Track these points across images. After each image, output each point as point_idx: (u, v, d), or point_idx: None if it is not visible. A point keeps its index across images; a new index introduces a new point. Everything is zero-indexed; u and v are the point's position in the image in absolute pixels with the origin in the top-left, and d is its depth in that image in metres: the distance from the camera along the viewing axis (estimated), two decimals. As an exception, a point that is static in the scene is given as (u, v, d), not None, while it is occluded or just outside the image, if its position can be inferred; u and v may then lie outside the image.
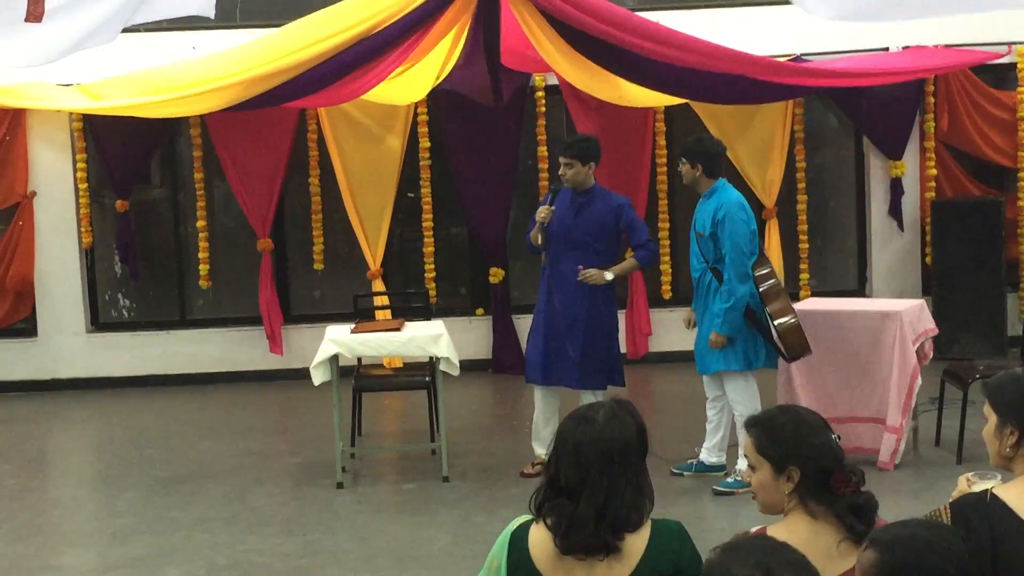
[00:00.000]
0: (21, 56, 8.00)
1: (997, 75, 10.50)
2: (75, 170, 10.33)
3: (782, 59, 9.85)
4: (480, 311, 10.59)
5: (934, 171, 10.37)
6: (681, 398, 9.12)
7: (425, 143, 10.32)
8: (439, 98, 10.02)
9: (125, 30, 8.60)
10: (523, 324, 8.85)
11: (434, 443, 7.67)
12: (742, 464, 6.77)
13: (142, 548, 6.30)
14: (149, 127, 9.92)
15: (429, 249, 10.46)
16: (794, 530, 3.02)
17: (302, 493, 7.20)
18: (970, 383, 6.99)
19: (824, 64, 9.80)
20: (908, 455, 7.24)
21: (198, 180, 10.39)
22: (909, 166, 10.42)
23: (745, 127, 10.20)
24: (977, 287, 9.87)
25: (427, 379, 7.67)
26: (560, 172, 7.21)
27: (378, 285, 10.31)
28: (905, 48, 10.15)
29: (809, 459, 3.01)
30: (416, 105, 10.18)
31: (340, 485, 7.20)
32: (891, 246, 10.57)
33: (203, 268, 10.44)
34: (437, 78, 9.50)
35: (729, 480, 6.84)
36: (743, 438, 6.63)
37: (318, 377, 7.13)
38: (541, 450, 7.25)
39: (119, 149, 10.24)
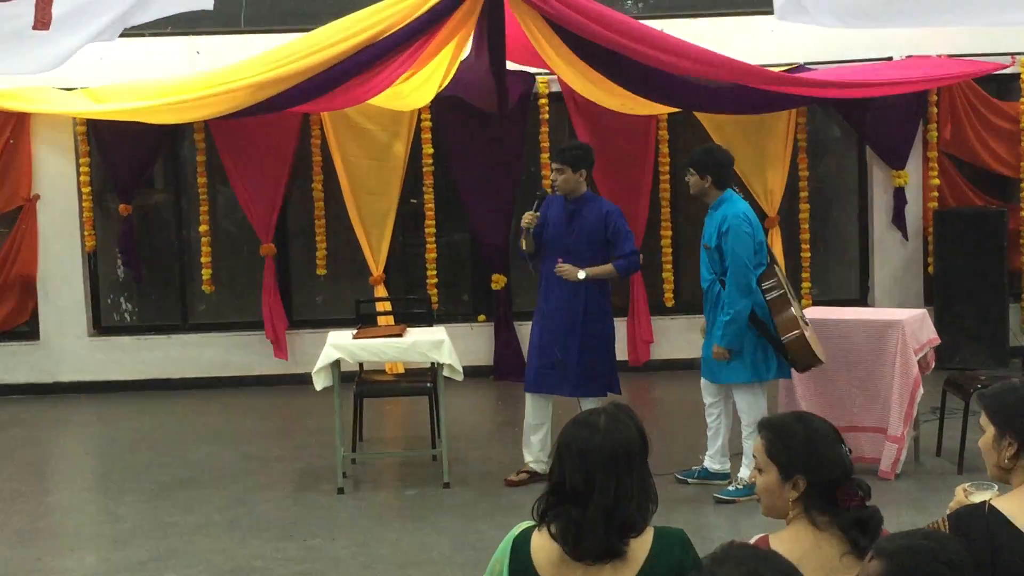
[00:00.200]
0: (30, 63, 8.05)
1: (1000, 85, 10.51)
2: (78, 173, 10.34)
3: (785, 68, 9.88)
4: (482, 317, 10.59)
5: (937, 181, 10.37)
6: (683, 406, 9.11)
7: (428, 149, 10.33)
8: (443, 104, 10.03)
9: (131, 33, 8.64)
10: (525, 331, 8.85)
11: (435, 449, 7.67)
12: (744, 473, 6.77)
13: (143, 552, 6.30)
14: (153, 131, 9.94)
15: (431, 255, 10.46)
16: (796, 539, 3.02)
17: (303, 498, 7.20)
18: (972, 393, 6.98)
19: (827, 74, 9.83)
20: (909, 465, 7.24)
21: (201, 184, 10.40)
22: (912, 176, 10.42)
23: (748, 136, 10.21)
24: (979, 297, 9.86)
25: (429, 385, 7.68)
26: (551, 178, 7.20)
27: (380, 291, 10.32)
28: (908, 58, 10.17)
29: (818, 470, 3.00)
30: (420, 111, 10.19)
31: (341, 490, 7.20)
32: (893, 256, 10.57)
33: (206, 273, 10.44)
34: (440, 85, 9.51)
35: (730, 488, 6.83)
36: (748, 448, 6.67)
37: (320, 382, 7.13)
38: (529, 458, 7.25)
39: (122, 153, 10.25)
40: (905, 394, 6.98)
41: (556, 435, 3.07)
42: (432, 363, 7.45)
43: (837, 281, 11.00)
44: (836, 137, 11.01)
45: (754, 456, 3.16)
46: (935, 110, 10.31)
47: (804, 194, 10.50)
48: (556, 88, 10.19)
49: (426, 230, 10.46)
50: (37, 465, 8.52)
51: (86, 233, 10.38)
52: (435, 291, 10.33)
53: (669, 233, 10.51)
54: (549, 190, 7.57)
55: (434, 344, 7.20)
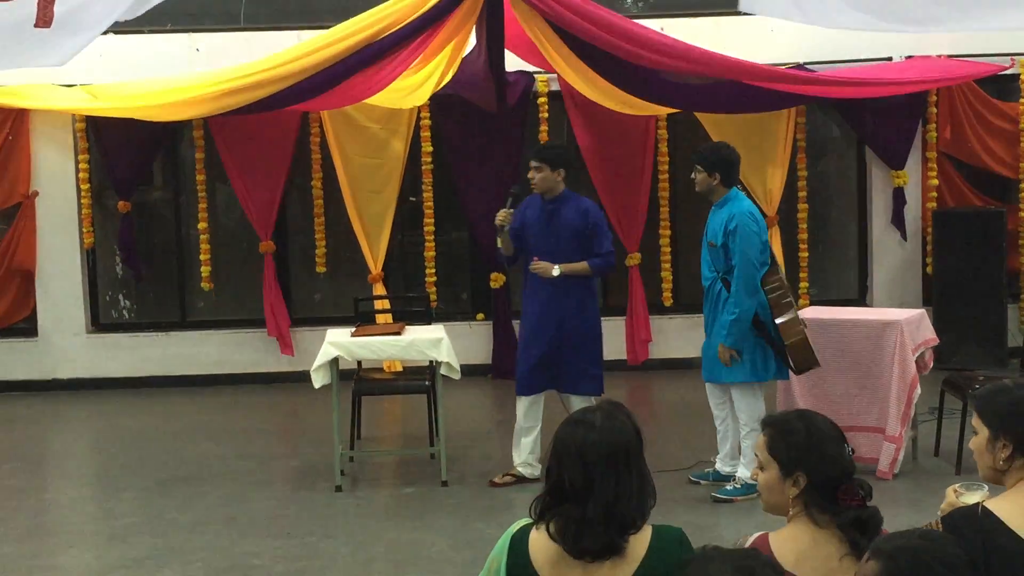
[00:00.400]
0: (32, 60, 8.06)
1: (1000, 86, 10.51)
2: (77, 170, 10.33)
3: (784, 68, 9.88)
4: (481, 316, 10.59)
5: (936, 181, 10.37)
6: (681, 405, 9.12)
7: (428, 147, 10.32)
8: (442, 103, 10.03)
9: (130, 29, 8.64)
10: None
11: (433, 447, 7.67)
12: (743, 472, 6.77)
13: (140, 549, 6.30)
14: (152, 128, 9.94)
15: (430, 253, 10.46)
16: (796, 538, 3.02)
17: (301, 496, 7.20)
18: (970, 394, 6.98)
19: (827, 74, 9.83)
20: (907, 464, 7.24)
21: (200, 182, 10.40)
22: (911, 176, 10.42)
23: (747, 135, 10.20)
24: (978, 298, 9.86)
25: (427, 383, 7.68)
26: (529, 175, 7.16)
27: (379, 289, 10.32)
28: (908, 58, 10.17)
29: (818, 468, 3.00)
30: (419, 109, 10.19)
31: (339, 488, 7.20)
32: (892, 256, 10.57)
33: (204, 270, 10.44)
34: (439, 83, 9.52)
35: (728, 488, 6.83)
36: (747, 447, 6.67)
37: (318, 380, 7.13)
38: (518, 460, 7.25)
39: (121, 150, 10.25)
40: (903, 394, 6.99)
41: (545, 439, 3.07)
42: (430, 361, 7.45)
43: (836, 281, 11.00)
44: (835, 137, 11.01)
45: (755, 454, 3.16)
46: (934, 110, 10.31)
47: (803, 194, 10.50)
48: (555, 87, 10.19)
49: (425, 228, 10.46)
50: (35, 462, 8.52)
51: (85, 230, 10.37)
52: (434, 289, 10.33)
53: (668, 232, 10.51)
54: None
55: (433, 342, 7.20)
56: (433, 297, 10.06)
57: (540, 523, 2.96)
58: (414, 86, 9.63)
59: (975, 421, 3.24)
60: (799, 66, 10.04)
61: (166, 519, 6.79)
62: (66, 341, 10.43)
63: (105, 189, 10.59)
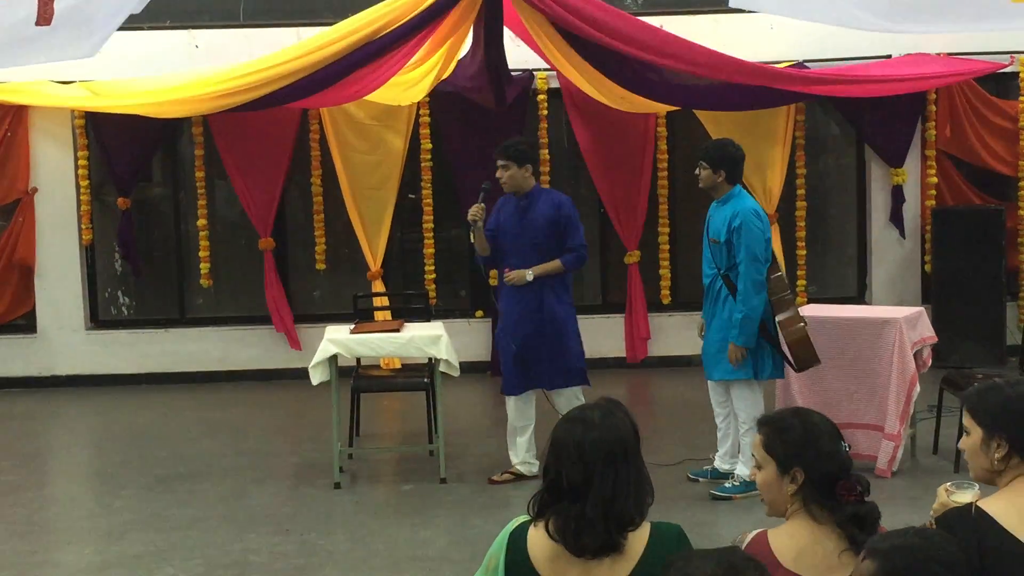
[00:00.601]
0: (33, 57, 8.07)
1: (999, 84, 10.51)
2: (76, 167, 10.33)
3: (784, 66, 9.88)
4: (480, 313, 10.59)
5: (935, 179, 10.37)
6: (680, 402, 9.13)
7: (427, 145, 10.32)
8: (441, 100, 10.03)
9: (129, 26, 8.64)
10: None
11: (432, 444, 7.67)
12: (741, 470, 6.77)
13: (139, 546, 6.30)
14: (151, 125, 9.94)
15: (429, 250, 10.46)
16: (795, 534, 3.03)
17: (300, 493, 7.20)
18: (960, 394, 6.97)
19: (827, 72, 9.83)
20: (906, 462, 7.25)
21: (199, 179, 10.40)
22: (910, 174, 10.42)
23: (746, 134, 10.17)
24: (977, 296, 9.87)
25: (426, 380, 7.68)
26: (496, 174, 7.12)
27: (378, 286, 10.32)
28: (907, 56, 10.16)
29: (815, 463, 3.01)
30: (418, 106, 10.19)
31: (338, 485, 7.20)
32: (891, 254, 10.57)
33: (204, 267, 10.44)
34: (436, 79, 9.53)
35: (727, 485, 6.83)
36: (745, 445, 6.67)
37: (316, 377, 7.13)
38: (515, 459, 7.24)
39: (121, 146, 10.25)
40: (902, 392, 6.99)
41: (542, 436, 3.07)
42: (429, 359, 7.45)
43: (835, 279, 11.00)
44: (834, 135, 11.01)
45: (753, 454, 3.17)
46: (934, 108, 10.31)
47: (801, 192, 10.50)
48: (555, 84, 10.18)
49: (424, 226, 10.46)
50: (34, 458, 8.52)
51: (84, 226, 10.36)
52: (433, 286, 10.33)
53: (667, 230, 10.51)
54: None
55: (432, 339, 7.20)
56: (432, 294, 10.05)
57: (539, 521, 2.96)
58: (412, 82, 9.64)
59: (967, 421, 3.21)
60: (798, 64, 10.03)
61: (165, 516, 6.79)
62: (65, 338, 10.43)
63: (104, 185, 10.59)
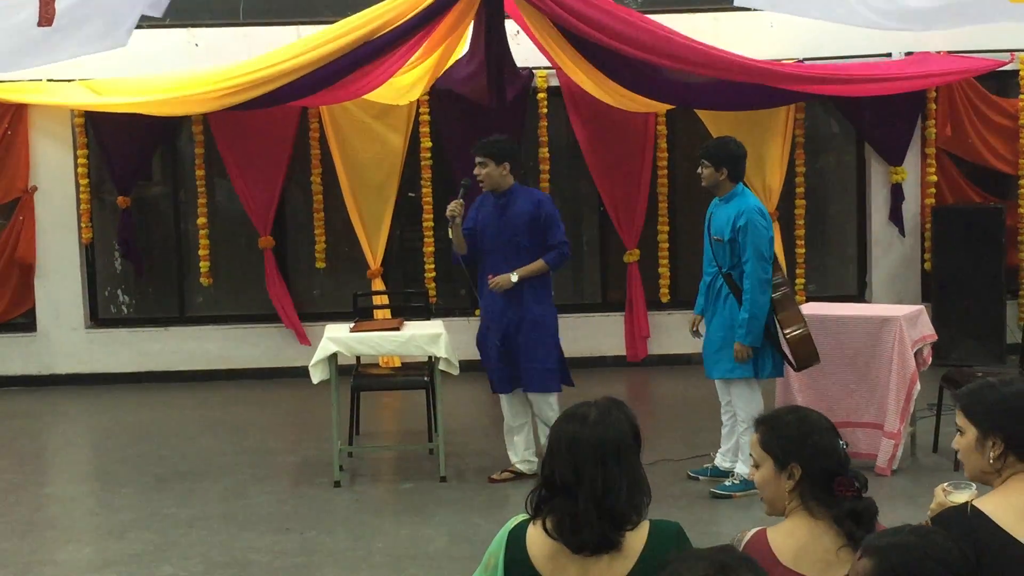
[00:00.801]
0: (35, 58, 8.07)
1: (999, 82, 10.50)
2: (76, 165, 10.32)
3: (783, 63, 9.87)
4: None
5: (935, 177, 10.37)
6: (680, 401, 9.13)
7: (427, 143, 10.31)
8: (441, 98, 10.03)
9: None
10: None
11: (432, 443, 7.67)
12: (740, 468, 6.77)
13: (139, 544, 6.30)
14: (151, 124, 9.95)
15: (429, 249, 10.45)
16: (793, 532, 3.03)
17: (299, 491, 7.20)
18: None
19: (827, 69, 9.83)
20: (905, 461, 7.25)
21: (199, 177, 10.39)
22: (910, 172, 10.41)
23: (746, 132, 10.15)
24: (977, 294, 9.86)
25: (425, 379, 7.68)
26: (475, 172, 7.08)
27: (378, 284, 10.32)
28: (907, 54, 10.16)
29: (812, 458, 3.02)
30: (418, 105, 10.18)
31: (337, 484, 7.20)
32: (891, 252, 10.56)
33: (203, 265, 10.43)
34: (434, 77, 9.53)
35: (727, 483, 6.83)
36: (745, 443, 6.67)
37: (316, 375, 7.13)
38: (515, 458, 7.24)
39: (120, 145, 10.25)
40: (902, 390, 6.99)
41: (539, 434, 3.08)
42: (429, 357, 7.44)
43: (835, 277, 10.99)
44: (834, 133, 11.00)
45: (751, 454, 3.17)
46: (933, 106, 10.30)
47: (801, 190, 10.50)
48: (555, 82, 10.18)
49: (424, 224, 10.45)
50: (34, 457, 8.52)
51: (84, 225, 10.36)
52: (433, 285, 10.32)
53: (666, 228, 10.50)
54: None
55: (431, 338, 7.20)
56: (432, 293, 10.05)
57: (536, 518, 2.96)
58: (412, 82, 9.64)
59: (960, 421, 3.19)
60: (798, 62, 10.03)
61: (165, 514, 6.79)
62: (65, 336, 10.43)
63: (104, 184, 10.58)
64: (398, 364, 9.44)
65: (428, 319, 8.18)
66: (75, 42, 8.04)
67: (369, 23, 8.58)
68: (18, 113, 10.11)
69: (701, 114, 10.18)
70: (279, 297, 10.34)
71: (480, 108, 9.70)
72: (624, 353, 10.41)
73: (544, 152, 10.38)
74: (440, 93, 9.92)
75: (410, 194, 10.62)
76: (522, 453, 7.22)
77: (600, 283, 10.87)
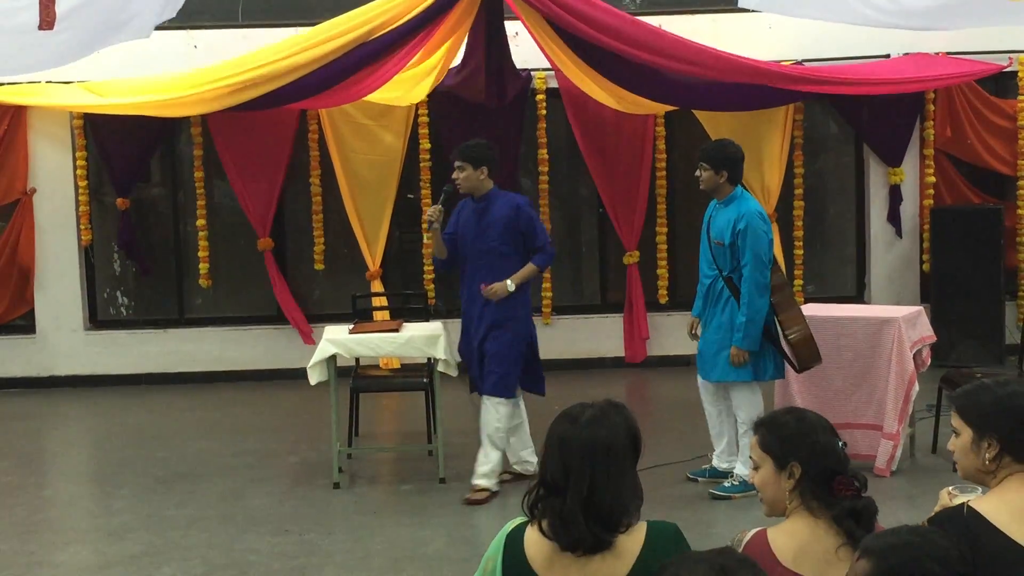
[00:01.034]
0: (37, 61, 8.08)
1: (998, 83, 10.50)
2: (75, 167, 10.33)
3: (782, 64, 9.88)
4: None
5: (933, 178, 10.37)
6: (680, 402, 9.12)
7: (425, 144, 10.32)
8: (440, 100, 10.03)
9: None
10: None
11: (431, 444, 7.68)
12: (740, 469, 6.77)
13: (138, 546, 6.30)
14: (149, 125, 9.95)
15: (428, 250, 10.45)
16: (793, 532, 3.03)
17: (299, 493, 7.20)
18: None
19: (826, 70, 9.83)
20: (904, 462, 7.25)
21: (198, 179, 10.40)
22: (908, 173, 10.42)
23: (745, 133, 10.17)
24: (975, 295, 9.87)
25: (425, 380, 7.68)
26: (453, 175, 7.05)
27: (377, 286, 10.32)
28: (906, 55, 10.16)
29: (811, 457, 3.03)
30: (417, 106, 10.18)
31: (337, 485, 7.20)
32: (890, 253, 10.57)
33: (203, 267, 10.44)
34: (436, 79, 9.53)
35: (726, 484, 6.84)
36: (744, 445, 6.67)
37: (315, 377, 7.13)
38: (512, 459, 7.24)
39: (119, 147, 10.25)
40: (901, 391, 6.99)
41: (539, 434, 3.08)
42: (428, 358, 7.44)
43: (833, 278, 11.00)
44: (833, 134, 11.00)
45: (751, 456, 3.18)
46: (932, 108, 10.30)
47: (799, 191, 10.50)
48: (553, 84, 10.18)
49: (423, 225, 10.43)
50: (33, 459, 8.52)
51: (82, 227, 10.36)
52: (431, 286, 10.32)
53: (665, 230, 10.51)
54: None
55: (430, 339, 7.20)
56: (431, 294, 10.05)
57: (532, 519, 2.97)
58: (412, 83, 9.63)
59: (956, 422, 3.19)
60: (796, 63, 10.03)
61: (164, 516, 6.79)
62: (64, 338, 10.43)
63: (103, 186, 10.59)
64: (397, 366, 9.44)
65: (427, 320, 8.18)
66: (78, 44, 8.03)
67: (368, 23, 8.57)
68: (17, 115, 10.11)
69: (699, 115, 10.18)
70: (282, 297, 10.34)
71: (479, 110, 9.70)
72: (623, 354, 10.42)
73: (543, 153, 10.38)
74: (439, 95, 9.92)
75: (409, 195, 10.63)
76: (519, 454, 7.22)
77: (599, 284, 10.87)
